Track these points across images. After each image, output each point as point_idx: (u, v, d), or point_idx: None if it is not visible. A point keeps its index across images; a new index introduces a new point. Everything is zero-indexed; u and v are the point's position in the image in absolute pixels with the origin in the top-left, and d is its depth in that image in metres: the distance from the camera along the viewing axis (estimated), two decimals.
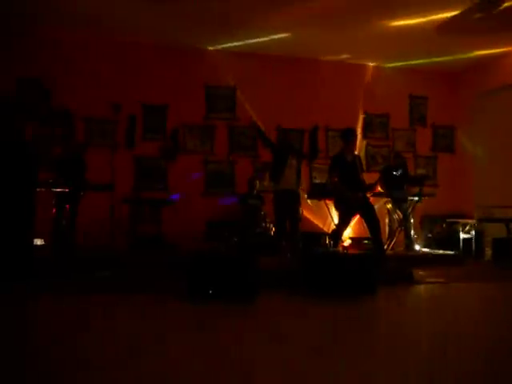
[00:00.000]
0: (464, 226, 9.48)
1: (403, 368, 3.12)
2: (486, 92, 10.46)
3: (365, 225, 7.53)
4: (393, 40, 9.24)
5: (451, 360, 3.35)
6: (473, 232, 9.32)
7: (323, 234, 9.32)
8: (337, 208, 7.75)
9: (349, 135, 7.66)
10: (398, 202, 8.90)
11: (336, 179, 7.45)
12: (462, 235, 9.37)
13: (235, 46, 9.72)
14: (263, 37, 9.26)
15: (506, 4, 7.58)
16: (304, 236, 8.15)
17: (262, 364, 3.19)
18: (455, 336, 4.01)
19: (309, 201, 9.22)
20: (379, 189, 9.07)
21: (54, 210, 7.71)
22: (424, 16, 8.29)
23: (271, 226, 8.65)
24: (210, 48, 9.90)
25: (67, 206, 7.74)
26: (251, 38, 9.34)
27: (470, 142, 10.83)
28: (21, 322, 4.43)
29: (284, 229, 7.62)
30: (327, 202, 9.05)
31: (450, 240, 9.49)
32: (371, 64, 10.79)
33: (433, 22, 8.43)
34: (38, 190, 6.87)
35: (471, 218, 9.66)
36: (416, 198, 8.66)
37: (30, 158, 6.52)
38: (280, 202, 7.54)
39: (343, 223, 7.67)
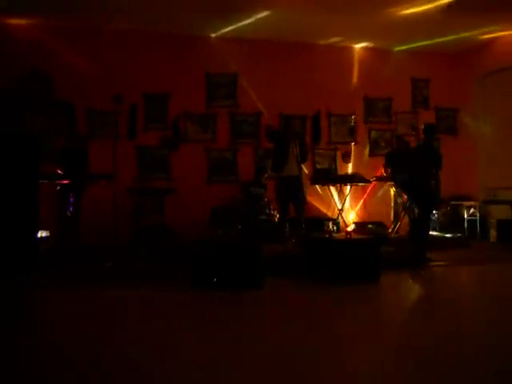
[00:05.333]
0: (468, 208, 9.46)
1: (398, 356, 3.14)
2: (488, 73, 10.38)
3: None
4: (395, 22, 9.12)
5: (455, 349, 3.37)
6: (477, 214, 9.30)
7: (327, 220, 9.33)
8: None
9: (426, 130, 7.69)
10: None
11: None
12: (467, 217, 9.36)
13: (235, 33, 9.62)
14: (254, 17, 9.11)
15: None
16: (308, 221, 8.15)
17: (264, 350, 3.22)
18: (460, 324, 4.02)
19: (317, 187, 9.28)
20: (383, 173, 9.08)
21: (59, 202, 7.72)
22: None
23: (275, 212, 8.66)
24: (211, 35, 9.83)
25: (71, 197, 7.76)
26: (247, 19, 9.14)
27: (472, 123, 10.76)
28: (26, 313, 4.47)
29: (287, 215, 7.64)
30: (330, 187, 9.08)
31: (455, 222, 9.47)
32: (374, 48, 10.70)
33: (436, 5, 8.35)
34: (42, 182, 6.90)
35: (475, 200, 9.63)
36: None
37: (33, 150, 6.53)
38: (282, 188, 7.55)
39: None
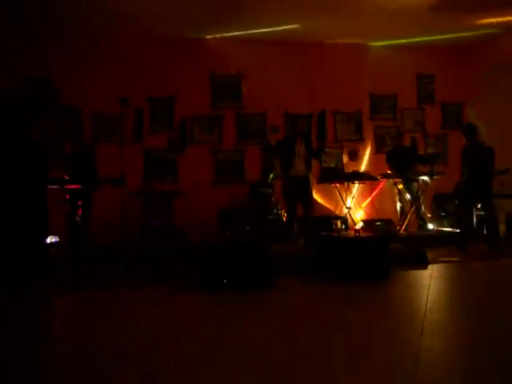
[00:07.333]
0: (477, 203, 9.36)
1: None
2: (495, 66, 10.32)
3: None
4: (396, 18, 9.10)
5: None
6: None
7: (334, 218, 9.32)
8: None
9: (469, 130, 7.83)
10: (409, 183, 8.87)
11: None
12: (476, 212, 9.28)
13: (238, 33, 9.65)
14: (269, 26, 9.22)
15: None
16: (316, 220, 8.15)
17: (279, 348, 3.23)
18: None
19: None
20: (388, 170, 9.08)
21: (67, 207, 7.76)
22: None
23: (283, 212, 8.67)
24: (214, 37, 9.85)
25: (80, 202, 7.80)
26: (256, 27, 9.30)
27: (479, 118, 10.70)
28: (38, 319, 4.49)
29: (295, 214, 7.65)
30: (337, 185, 9.06)
31: None
32: (377, 44, 10.67)
33: None
34: (50, 187, 6.94)
35: None
36: (426, 178, 8.63)
37: (40, 156, 6.57)
38: (289, 188, 7.56)
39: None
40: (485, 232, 7.92)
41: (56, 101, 9.02)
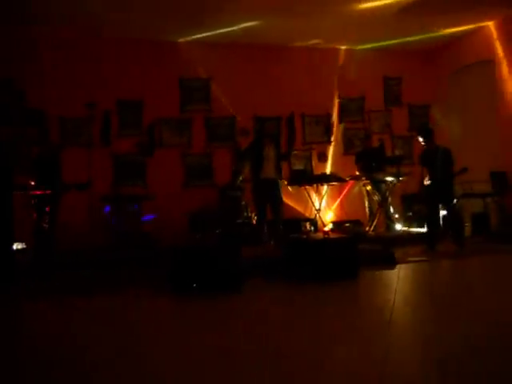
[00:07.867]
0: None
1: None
2: (459, 69, 10.55)
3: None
4: (362, 22, 9.26)
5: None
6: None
7: (305, 220, 9.39)
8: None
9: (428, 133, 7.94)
10: (377, 184, 8.98)
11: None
12: (442, 212, 9.45)
13: (207, 37, 9.67)
14: (233, 26, 9.23)
15: None
16: (286, 223, 8.18)
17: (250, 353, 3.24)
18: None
19: (289, 188, 9.25)
20: (356, 172, 9.18)
21: (33, 213, 7.63)
22: None
23: (253, 215, 8.69)
24: (182, 40, 9.85)
25: (47, 208, 7.67)
26: (222, 28, 9.30)
27: (444, 120, 10.91)
28: (3, 326, 4.42)
29: (265, 217, 7.66)
30: (307, 187, 9.13)
31: None
32: (344, 48, 10.81)
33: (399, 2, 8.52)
34: (16, 193, 6.81)
35: None
36: (393, 179, 8.75)
37: (4, 161, 6.44)
38: (259, 191, 7.57)
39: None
40: (450, 231, 8.05)
41: (20, 104, 8.86)
